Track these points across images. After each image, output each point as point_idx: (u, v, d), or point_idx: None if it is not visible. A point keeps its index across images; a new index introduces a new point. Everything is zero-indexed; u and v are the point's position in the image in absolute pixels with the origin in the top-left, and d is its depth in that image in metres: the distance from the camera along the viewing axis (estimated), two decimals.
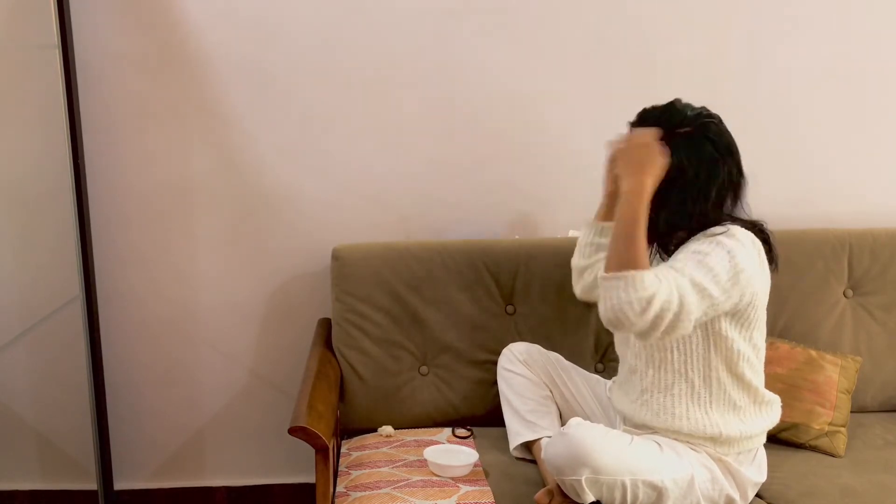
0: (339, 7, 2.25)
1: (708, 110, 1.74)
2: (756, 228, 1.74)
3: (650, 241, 1.70)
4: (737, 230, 1.68)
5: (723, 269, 1.61)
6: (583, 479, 1.60)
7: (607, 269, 1.60)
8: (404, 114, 2.32)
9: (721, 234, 1.67)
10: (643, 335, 1.58)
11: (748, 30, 2.34)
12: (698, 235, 1.69)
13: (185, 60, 2.26)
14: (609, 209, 1.85)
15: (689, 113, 1.72)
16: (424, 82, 2.31)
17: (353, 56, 2.28)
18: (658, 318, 1.54)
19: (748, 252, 1.65)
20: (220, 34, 2.24)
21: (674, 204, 1.69)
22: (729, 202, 1.73)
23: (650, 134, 1.68)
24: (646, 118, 1.76)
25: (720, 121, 1.73)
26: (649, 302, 1.53)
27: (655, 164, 1.66)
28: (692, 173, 1.68)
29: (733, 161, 1.71)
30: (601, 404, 2.01)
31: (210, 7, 2.23)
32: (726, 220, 1.72)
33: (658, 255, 1.78)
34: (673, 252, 1.72)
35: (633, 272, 1.55)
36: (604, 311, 1.59)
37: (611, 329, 1.62)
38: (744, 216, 1.75)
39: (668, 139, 1.68)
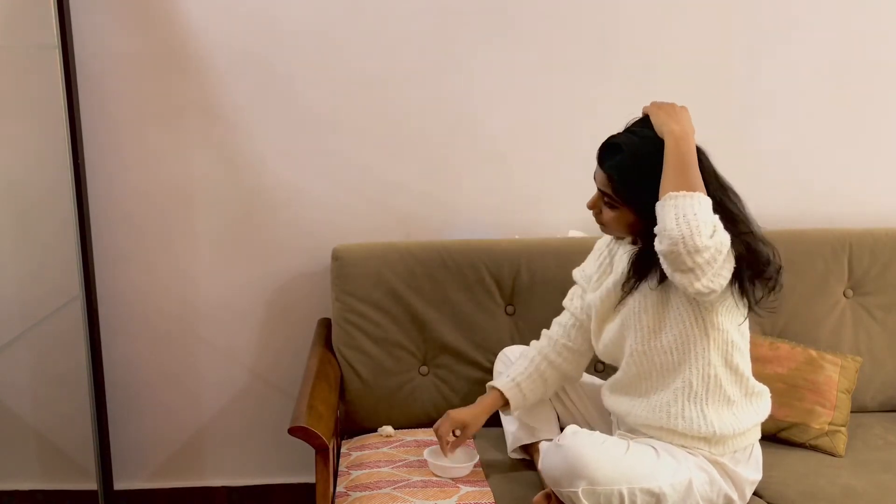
0: (339, 7, 2.25)
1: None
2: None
3: (634, 241, 1.74)
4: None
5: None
6: (579, 490, 1.58)
7: (673, 189, 1.52)
8: (405, 114, 2.32)
9: None
10: (702, 269, 1.49)
11: (748, 30, 2.34)
12: None
13: (185, 60, 2.26)
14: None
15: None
16: (424, 82, 2.31)
17: (354, 56, 2.28)
18: (717, 250, 1.50)
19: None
20: (221, 34, 2.24)
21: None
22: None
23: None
24: (607, 151, 1.71)
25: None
26: (715, 228, 1.50)
27: (688, 117, 1.62)
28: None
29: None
30: (598, 407, 1.99)
31: (210, 7, 2.23)
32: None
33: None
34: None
35: (700, 194, 1.51)
36: (673, 225, 1.48)
37: (670, 255, 1.49)
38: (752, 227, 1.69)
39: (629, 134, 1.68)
